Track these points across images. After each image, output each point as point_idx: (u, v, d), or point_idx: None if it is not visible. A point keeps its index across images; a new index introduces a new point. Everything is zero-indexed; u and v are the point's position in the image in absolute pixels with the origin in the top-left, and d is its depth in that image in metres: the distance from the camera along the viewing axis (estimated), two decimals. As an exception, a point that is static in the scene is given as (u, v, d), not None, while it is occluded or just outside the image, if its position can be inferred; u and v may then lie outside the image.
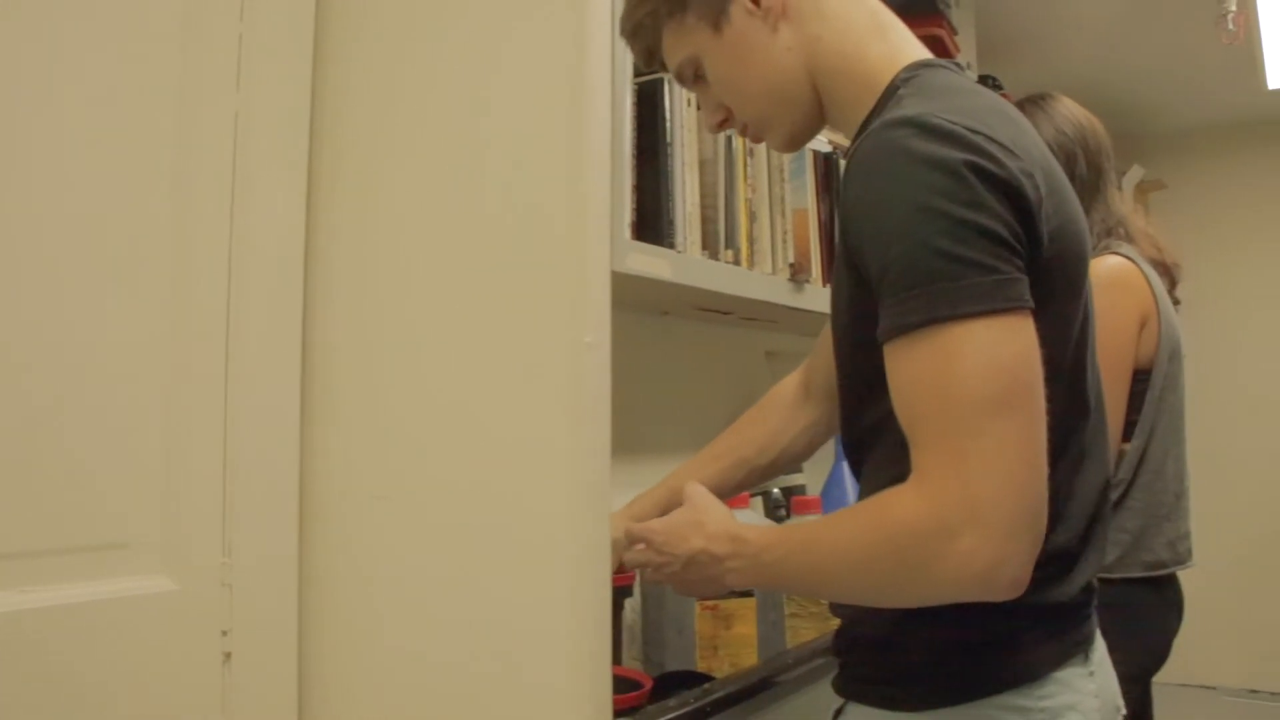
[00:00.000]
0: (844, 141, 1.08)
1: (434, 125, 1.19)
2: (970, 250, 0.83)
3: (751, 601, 1.50)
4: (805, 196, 1.92)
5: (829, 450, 1.09)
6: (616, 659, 1.39)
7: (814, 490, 2.18)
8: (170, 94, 1.10)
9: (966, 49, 2.87)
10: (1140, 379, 1.79)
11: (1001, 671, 0.93)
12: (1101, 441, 1.02)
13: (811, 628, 1.65)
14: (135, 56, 1.08)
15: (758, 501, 2.12)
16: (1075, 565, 0.96)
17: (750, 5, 1.04)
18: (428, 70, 1.20)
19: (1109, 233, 1.87)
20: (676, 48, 1.10)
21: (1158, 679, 1.87)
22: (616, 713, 1.11)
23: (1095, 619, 1.03)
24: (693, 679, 1.43)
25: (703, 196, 1.65)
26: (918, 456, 0.85)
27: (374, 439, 1.19)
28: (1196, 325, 2.82)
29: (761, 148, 1.82)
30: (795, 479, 2.25)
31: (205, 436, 1.11)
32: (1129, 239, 1.87)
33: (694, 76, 1.11)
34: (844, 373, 1.04)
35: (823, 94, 1.06)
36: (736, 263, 1.72)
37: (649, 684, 1.34)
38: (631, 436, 1.75)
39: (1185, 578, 1.83)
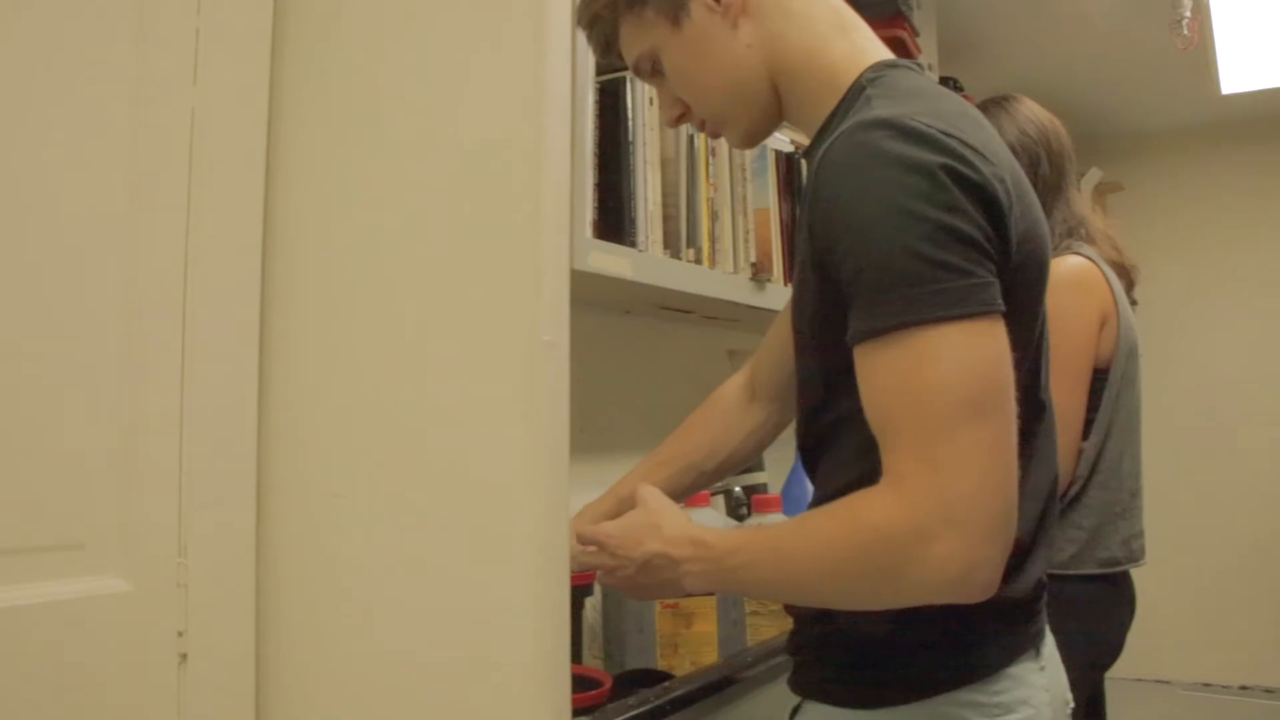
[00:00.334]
0: (805, 140, 1.08)
1: (393, 121, 1.18)
2: (946, 254, 0.83)
3: (712, 600, 1.51)
4: (767, 196, 1.92)
5: (790, 449, 1.09)
6: (577, 658, 1.38)
7: (775, 489, 2.19)
8: (125, 89, 1.09)
9: (928, 51, 2.89)
10: (1098, 378, 1.81)
11: (956, 668, 0.94)
12: (1052, 440, 1.03)
13: (772, 626, 1.66)
14: (88, 51, 1.06)
15: (719, 500, 2.12)
16: (1027, 562, 0.97)
17: (711, 1, 1.03)
18: (387, 66, 1.19)
19: (1070, 233, 1.88)
20: (634, 41, 1.09)
21: (1112, 673, 1.90)
22: (576, 711, 1.11)
23: (1045, 615, 1.04)
24: (653, 677, 1.43)
25: (665, 195, 1.66)
26: (891, 460, 0.85)
27: (332, 437, 1.18)
28: (1152, 326, 2.86)
29: (724, 147, 1.82)
30: (757, 477, 2.26)
31: (160, 435, 1.10)
32: (1089, 240, 1.89)
33: (651, 70, 1.10)
34: (804, 373, 1.04)
35: (783, 92, 1.06)
36: (698, 261, 1.72)
37: (608, 683, 1.34)
38: (593, 435, 1.76)
39: (1138, 573, 1.86)
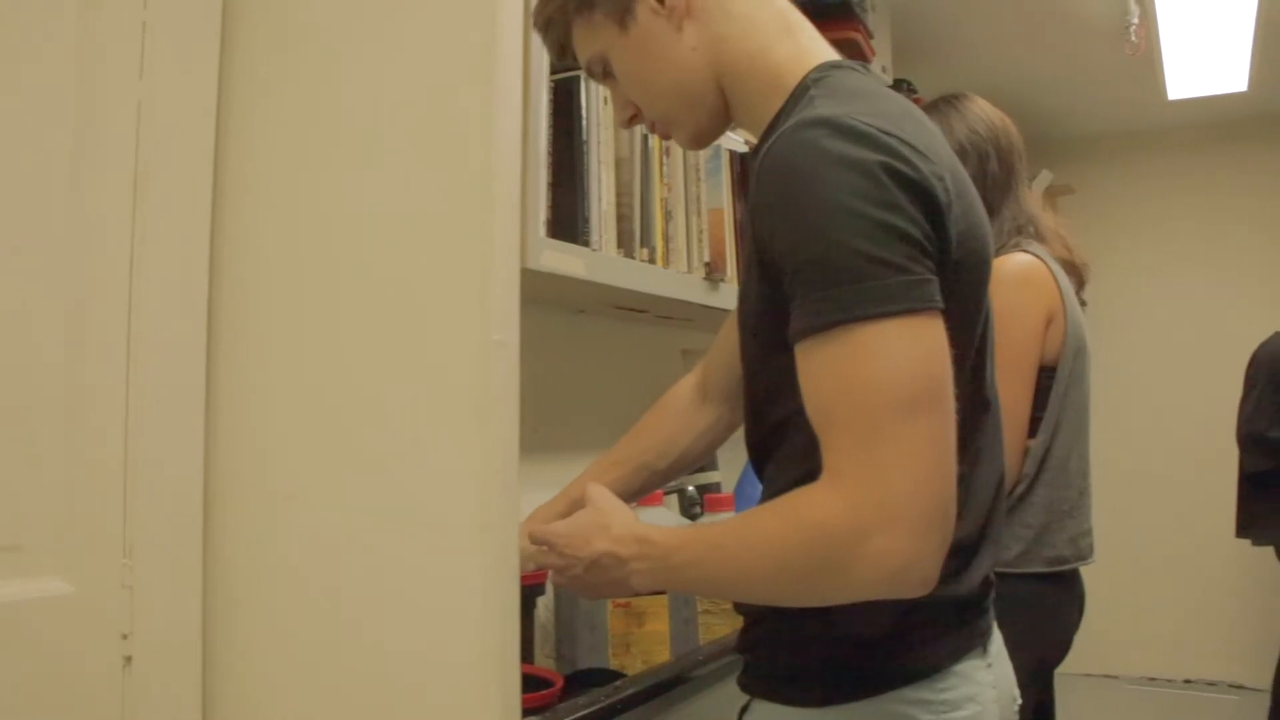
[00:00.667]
0: (755, 140, 1.08)
1: (342, 118, 1.17)
2: (884, 251, 0.84)
3: (664, 599, 1.51)
4: (721, 196, 1.93)
5: (744, 448, 1.09)
6: (529, 657, 1.38)
7: (729, 488, 2.20)
8: (68, 83, 1.07)
9: (882, 53, 2.92)
10: (1046, 375, 1.81)
11: (903, 666, 0.95)
12: (997, 438, 1.04)
13: (724, 624, 1.66)
14: (28, 43, 1.04)
15: (672, 499, 2.13)
16: (973, 560, 0.98)
17: (655, 4, 1.04)
18: (337, 61, 1.18)
19: (1019, 231, 1.89)
20: (586, 44, 1.10)
21: (1060, 669, 1.92)
22: (526, 711, 1.11)
23: (992, 612, 1.05)
24: (605, 676, 1.43)
25: (619, 195, 1.65)
26: (831, 457, 0.86)
27: (280, 437, 1.17)
28: (1100, 326, 2.90)
29: (678, 147, 1.82)
30: (710, 477, 2.26)
31: (105, 434, 1.08)
32: (1039, 238, 1.90)
33: (603, 73, 1.11)
34: (750, 372, 1.04)
35: (729, 93, 1.06)
36: (652, 261, 1.72)
37: (560, 682, 1.34)
38: (546, 435, 1.75)
39: (1087, 570, 1.87)
